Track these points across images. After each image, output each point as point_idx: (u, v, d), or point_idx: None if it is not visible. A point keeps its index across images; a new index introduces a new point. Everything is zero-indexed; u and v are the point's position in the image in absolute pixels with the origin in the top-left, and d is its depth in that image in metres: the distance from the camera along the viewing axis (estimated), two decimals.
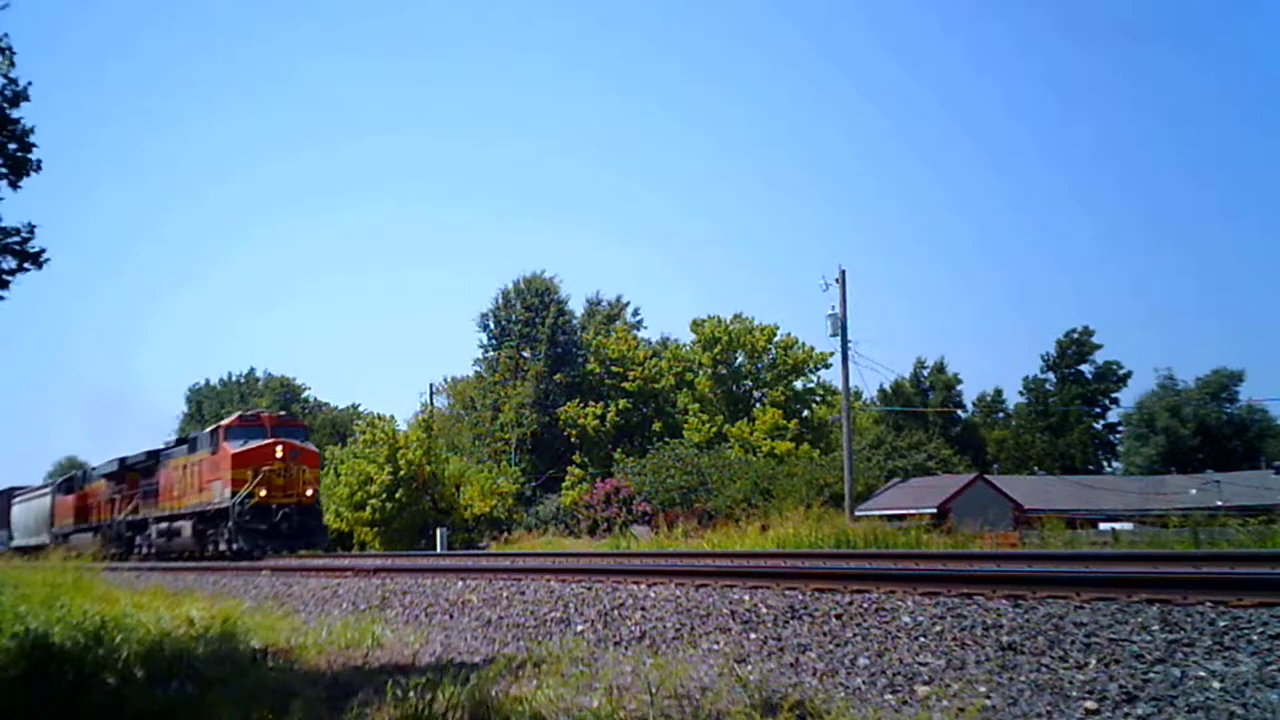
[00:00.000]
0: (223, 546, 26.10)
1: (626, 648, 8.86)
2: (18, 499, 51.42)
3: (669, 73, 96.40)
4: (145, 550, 32.18)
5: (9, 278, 9.40)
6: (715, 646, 8.29)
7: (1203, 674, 5.73)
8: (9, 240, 9.33)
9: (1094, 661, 6.23)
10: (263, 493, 25.19)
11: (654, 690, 6.49)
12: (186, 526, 28.33)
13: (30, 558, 40.92)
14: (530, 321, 54.20)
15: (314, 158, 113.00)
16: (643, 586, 10.57)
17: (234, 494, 25.32)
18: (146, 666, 8.45)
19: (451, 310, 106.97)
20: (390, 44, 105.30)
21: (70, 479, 43.26)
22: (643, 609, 9.73)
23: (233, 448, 26.13)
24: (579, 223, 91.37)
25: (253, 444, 26.27)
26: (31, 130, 9.30)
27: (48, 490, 45.66)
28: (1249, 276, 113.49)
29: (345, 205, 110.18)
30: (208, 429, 30.70)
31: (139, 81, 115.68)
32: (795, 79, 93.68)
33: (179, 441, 32.14)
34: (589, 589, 10.95)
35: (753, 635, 8.31)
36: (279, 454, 26.02)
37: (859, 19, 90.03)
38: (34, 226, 9.44)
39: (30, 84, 9.31)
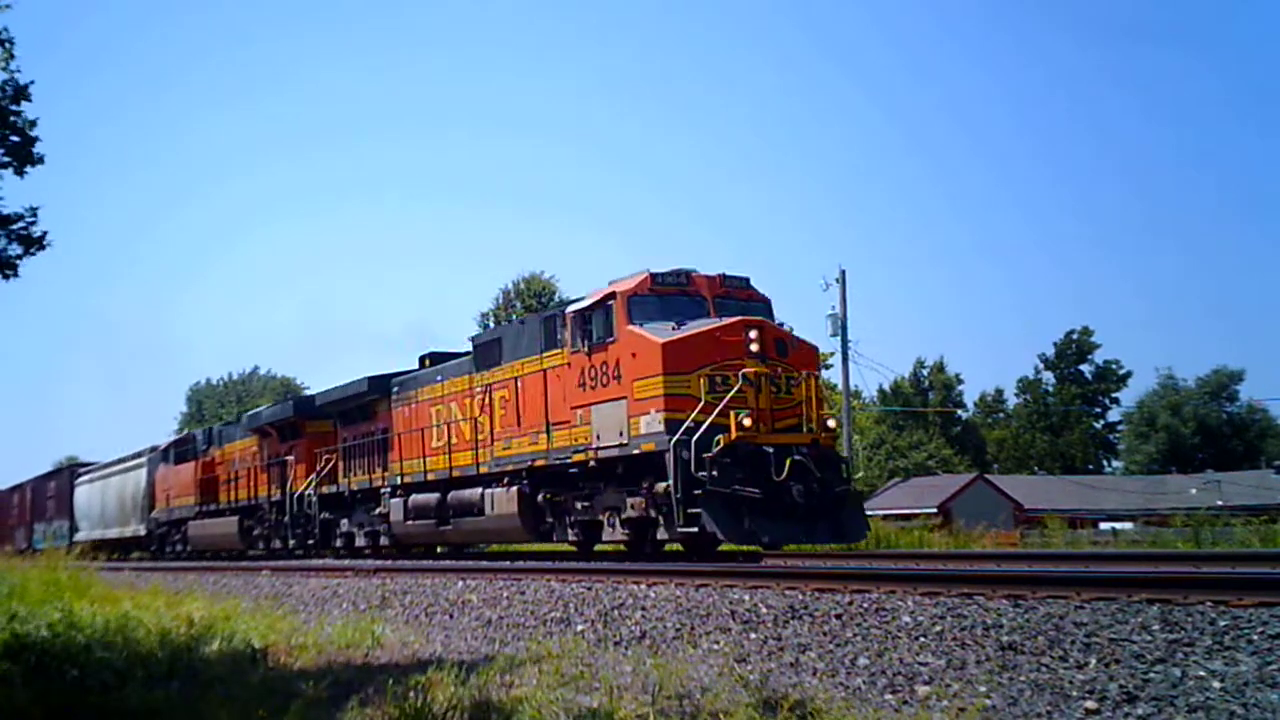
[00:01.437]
0: (666, 534, 13.43)
1: (626, 647, 8.86)
2: (84, 478, 41.19)
3: (669, 73, 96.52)
4: (364, 542, 21.34)
5: (17, 261, 9.47)
6: (715, 646, 8.29)
7: (1203, 674, 5.72)
8: (12, 226, 9.38)
9: (1094, 661, 6.22)
10: (746, 421, 12.58)
11: (654, 690, 6.48)
12: (503, 499, 16.11)
13: (109, 555, 34.52)
14: None
15: (314, 158, 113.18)
16: (643, 586, 10.57)
17: (668, 425, 12.77)
18: (146, 666, 8.45)
19: (451, 310, 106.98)
20: (390, 44, 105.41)
21: (182, 441, 32.62)
22: (643, 609, 9.73)
23: (653, 332, 13.32)
24: (578, 222, 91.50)
25: (696, 326, 13.37)
26: (34, 123, 9.34)
27: (137, 461, 34.97)
28: (1249, 276, 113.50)
29: (344, 205, 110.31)
30: (540, 314, 16.75)
31: (139, 82, 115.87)
32: (796, 79, 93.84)
33: (434, 358, 19.90)
34: (589, 589, 10.94)
35: (753, 635, 8.30)
36: (754, 343, 13.10)
37: (860, 19, 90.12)
38: (36, 209, 9.50)
39: (33, 82, 9.36)
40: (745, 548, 14.12)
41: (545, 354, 15.52)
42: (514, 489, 16.02)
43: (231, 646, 9.62)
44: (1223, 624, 6.26)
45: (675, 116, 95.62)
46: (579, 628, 9.82)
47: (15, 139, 9.25)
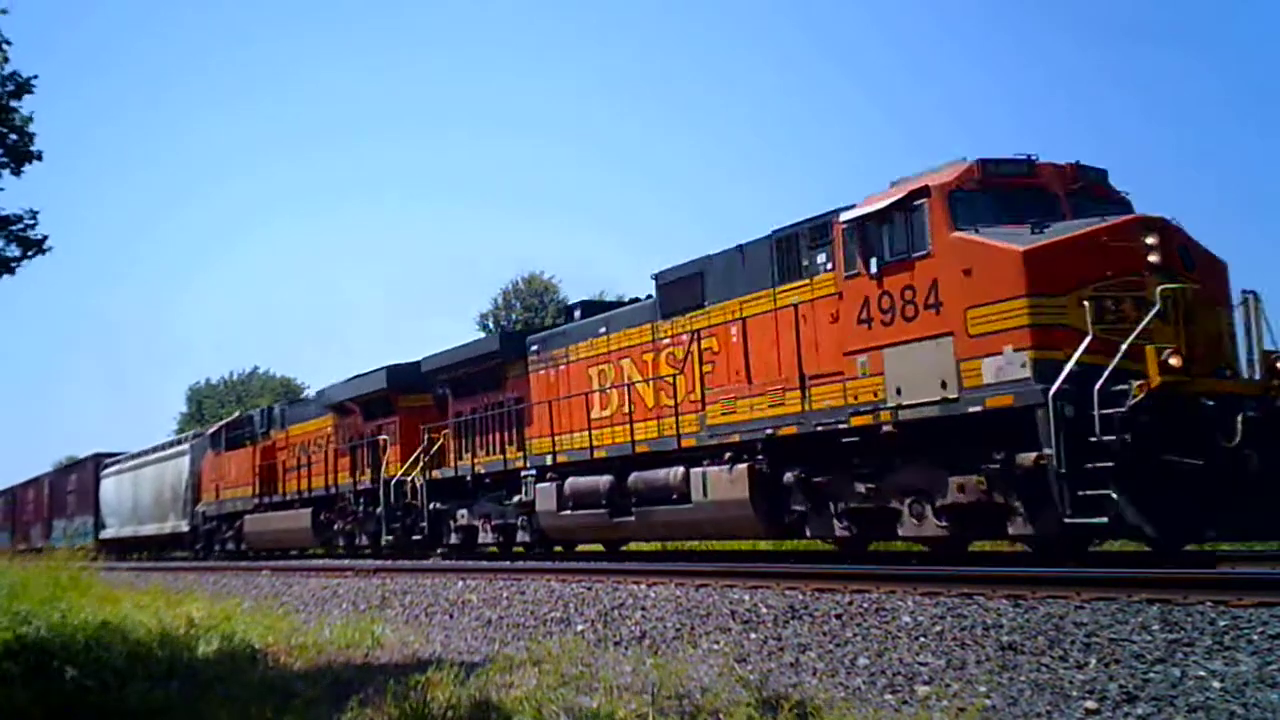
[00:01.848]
0: (1026, 527, 9.49)
1: (626, 647, 8.86)
2: (111, 469, 36.81)
3: (669, 73, 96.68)
4: (491, 537, 17.25)
5: (15, 264, 9.47)
6: (715, 646, 8.29)
7: (1203, 674, 5.73)
8: (11, 227, 9.38)
9: (1094, 661, 6.23)
10: (1174, 361, 8.63)
11: (654, 690, 6.48)
12: (723, 481, 12.34)
13: (142, 554, 34.11)
14: (529, 322, 54.15)
15: (313, 158, 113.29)
16: (643, 586, 10.58)
17: (1039, 369, 8.99)
18: (146, 666, 8.45)
19: (451, 310, 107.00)
20: (389, 44, 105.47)
21: (235, 424, 27.89)
22: (643, 609, 9.73)
23: (1001, 238, 9.59)
24: (578, 222, 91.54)
25: (1066, 229, 9.57)
26: (30, 119, 9.33)
27: (179, 449, 31.54)
28: (1249, 277, 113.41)
29: (341, 206, 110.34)
30: (770, 235, 12.12)
31: (138, 83, 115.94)
32: (796, 80, 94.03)
33: (586, 309, 16.54)
34: (589, 589, 10.95)
35: (753, 635, 8.31)
36: (1156, 251, 9.28)
37: (861, 20, 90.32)
38: (36, 212, 9.49)
39: (35, 77, 9.34)
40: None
41: (783, 286, 11.70)
42: (741, 467, 11.99)
43: (231, 646, 9.62)
44: (1223, 624, 6.26)
45: (675, 116, 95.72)
46: (579, 628, 9.82)
47: (13, 137, 9.24)
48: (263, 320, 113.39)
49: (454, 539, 18.40)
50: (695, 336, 13.03)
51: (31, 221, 9.43)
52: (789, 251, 11.78)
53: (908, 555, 12.96)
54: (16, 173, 9.30)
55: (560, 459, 15.42)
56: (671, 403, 13.37)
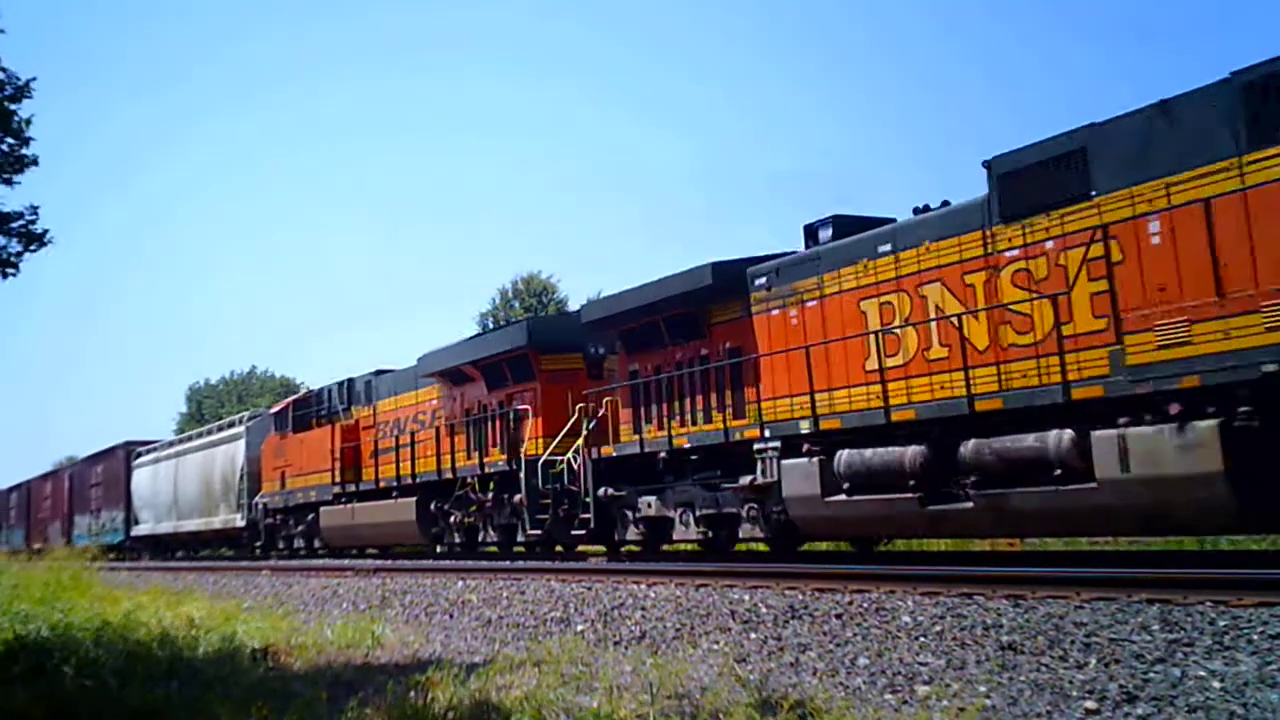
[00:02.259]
0: None
1: (626, 647, 8.86)
2: (145, 458, 32.97)
3: (669, 73, 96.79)
4: (695, 532, 13.36)
5: (17, 259, 9.52)
6: (715, 646, 8.29)
7: (1203, 674, 5.73)
8: (13, 224, 9.42)
9: (1094, 661, 6.23)
10: None
11: (654, 690, 6.49)
12: (1164, 447, 8.36)
13: (182, 553, 31.50)
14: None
15: (313, 158, 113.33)
16: (643, 586, 10.58)
17: None
18: (146, 666, 8.45)
19: (451, 309, 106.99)
20: (389, 46, 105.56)
21: (304, 402, 23.88)
22: (643, 609, 9.74)
23: None
24: (578, 222, 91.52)
25: None
26: (29, 122, 9.38)
27: (231, 432, 27.59)
28: None
29: (346, 205, 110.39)
30: (1233, 76, 8.22)
31: (137, 84, 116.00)
32: (795, 83, 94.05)
33: (838, 226, 12.21)
34: (589, 588, 10.96)
35: (753, 635, 8.31)
36: None
37: (861, 19, 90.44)
38: (36, 208, 9.56)
39: (34, 78, 9.38)
40: None
41: (1261, 154, 8.04)
42: (1205, 424, 8.15)
43: (232, 646, 9.62)
44: (1222, 624, 6.27)
45: (677, 117, 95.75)
46: (579, 628, 9.82)
47: (11, 141, 9.29)
48: (262, 320, 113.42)
49: (631, 533, 14.49)
50: (1096, 235, 9.14)
51: (32, 217, 9.48)
52: (1272, 98, 8.05)
53: (908, 555, 12.96)
54: (10, 182, 9.35)
55: (827, 424, 11.48)
56: (1028, 339, 9.69)
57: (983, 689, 6.23)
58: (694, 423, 13.56)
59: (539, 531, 15.83)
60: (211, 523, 28.03)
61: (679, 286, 13.49)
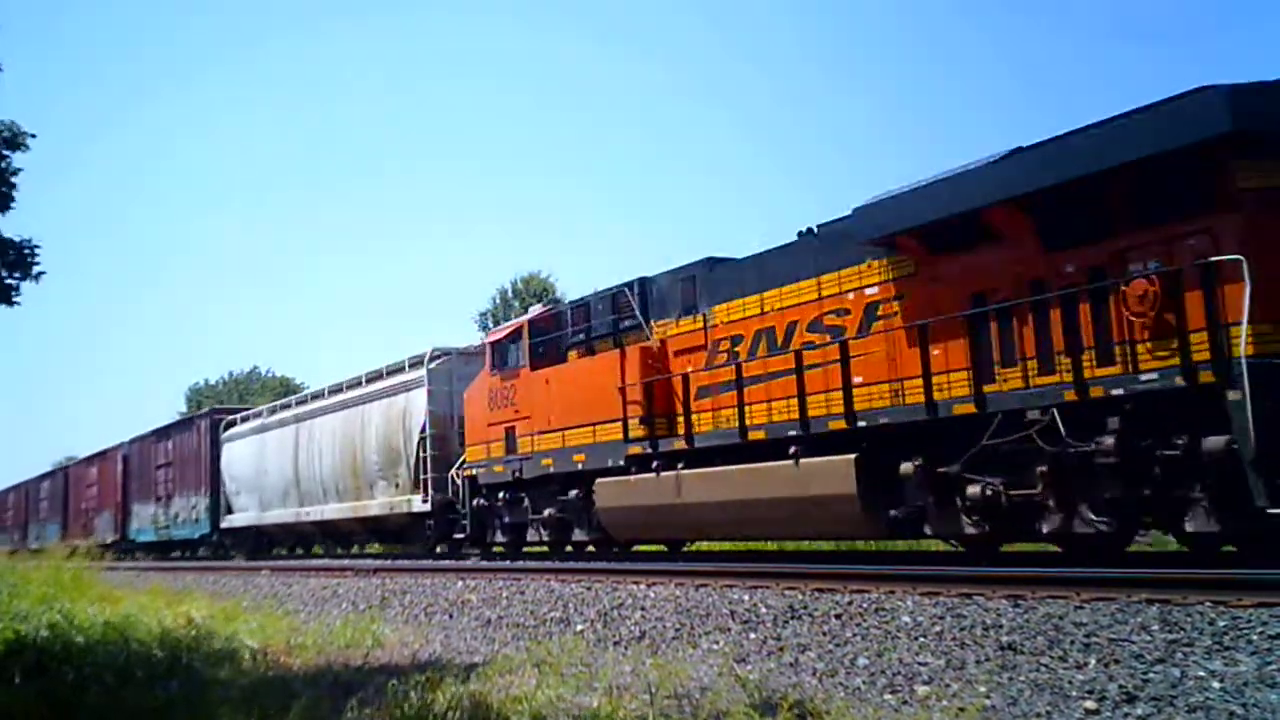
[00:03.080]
0: None
1: (626, 647, 8.87)
2: (242, 427, 26.35)
3: (669, 75, 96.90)
4: None
5: (14, 290, 9.63)
6: (715, 646, 8.30)
7: (1202, 674, 5.73)
8: (9, 253, 9.52)
9: (1094, 661, 6.23)
10: None
11: (654, 690, 6.49)
12: None
13: (311, 550, 25.29)
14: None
15: (312, 160, 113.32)
16: (642, 586, 10.59)
17: None
18: (146, 666, 8.45)
19: (451, 309, 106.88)
20: (390, 47, 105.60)
21: (553, 320, 15.68)
22: (642, 609, 9.74)
23: None
24: (578, 221, 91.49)
25: None
26: (16, 172, 9.52)
27: (394, 381, 19.95)
28: None
29: (342, 204, 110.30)
30: None
31: (136, 85, 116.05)
32: (791, 86, 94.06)
33: None
34: (588, 588, 10.96)
35: (752, 635, 8.31)
36: None
37: (859, 23, 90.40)
38: (35, 246, 9.68)
39: (34, 136, 9.51)
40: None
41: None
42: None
43: (231, 646, 9.62)
44: (1222, 624, 6.27)
45: (676, 121, 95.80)
46: (579, 628, 9.83)
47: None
48: (262, 320, 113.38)
49: None
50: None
51: (27, 251, 9.60)
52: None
53: (908, 555, 12.98)
54: None
55: None
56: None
57: (982, 689, 6.24)
58: None
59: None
60: (363, 508, 20.64)
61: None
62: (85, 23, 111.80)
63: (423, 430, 18.64)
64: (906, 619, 7.67)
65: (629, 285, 14.10)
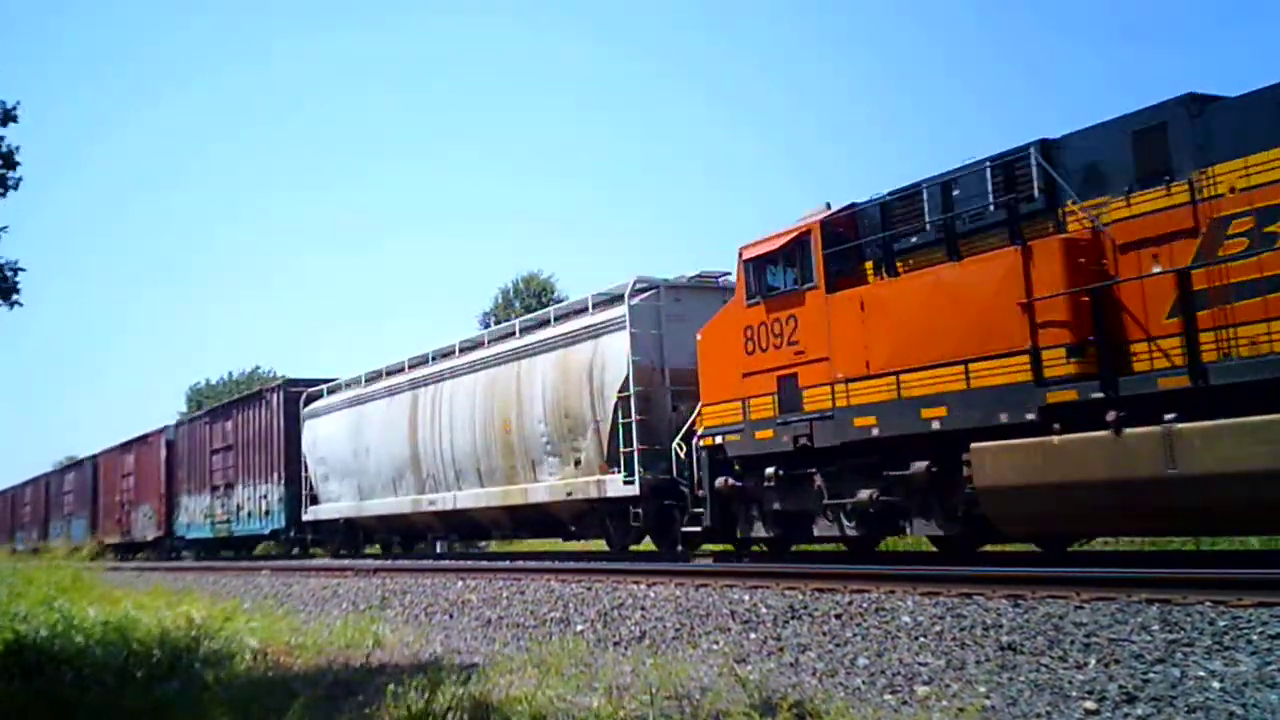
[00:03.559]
0: None
1: (626, 648, 8.87)
2: (331, 399, 21.91)
3: (667, 77, 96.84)
4: None
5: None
6: (715, 646, 8.30)
7: (1202, 674, 5.73)
8: None
9: (1094, 661, 6.23)
10: None
11: (654, 690, 6.49)
12: None
13: (443, 546, 21.12)
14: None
15: (313, 157, 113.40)
16: (642, 586, 10.58)
17: None
18: (146, 666, 8.45)
19: (451, 309, 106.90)
20: (390, 49, 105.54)
21: (844, 226, 10.94)
22: (642, 609, 9.74)
23: None
24: (578, 221, 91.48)
25: None
26: (16, 152, 9.44)
27: (574, 328, 15.26)
28: None
29: (342, 205, 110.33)
30: None
31: (137, 85, 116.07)
32: (791, 87, 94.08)
33: None
34: (588, 589, 10.96)
35: (752, 635, 8.31)
36: None
37: (859, 24, 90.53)
38: (18, 268, 9.62)
39: (18, 103, 9.42)
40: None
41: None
42: None
43: (231, 647, 9.62)
44: (1222, 624, 6.27)
45: (675, 122, 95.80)
46: (579, 628, 9.83)
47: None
48: (262, 320, 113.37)
49: None
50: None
51: (10, 273, 9.54)
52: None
53: (908, 555, 12.98)
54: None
55: None
56: None
57: (982, 689, 6.24)
58: None
59: None
60: (517, 494, 15.90)
61: None
62: (87, 23, 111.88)
63: (623, 388, 13.74)
64: (906, 619, 7.67)
65: (1023, 151, 9.59)
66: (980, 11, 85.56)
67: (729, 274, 13.86)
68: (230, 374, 72.88)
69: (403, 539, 22.29)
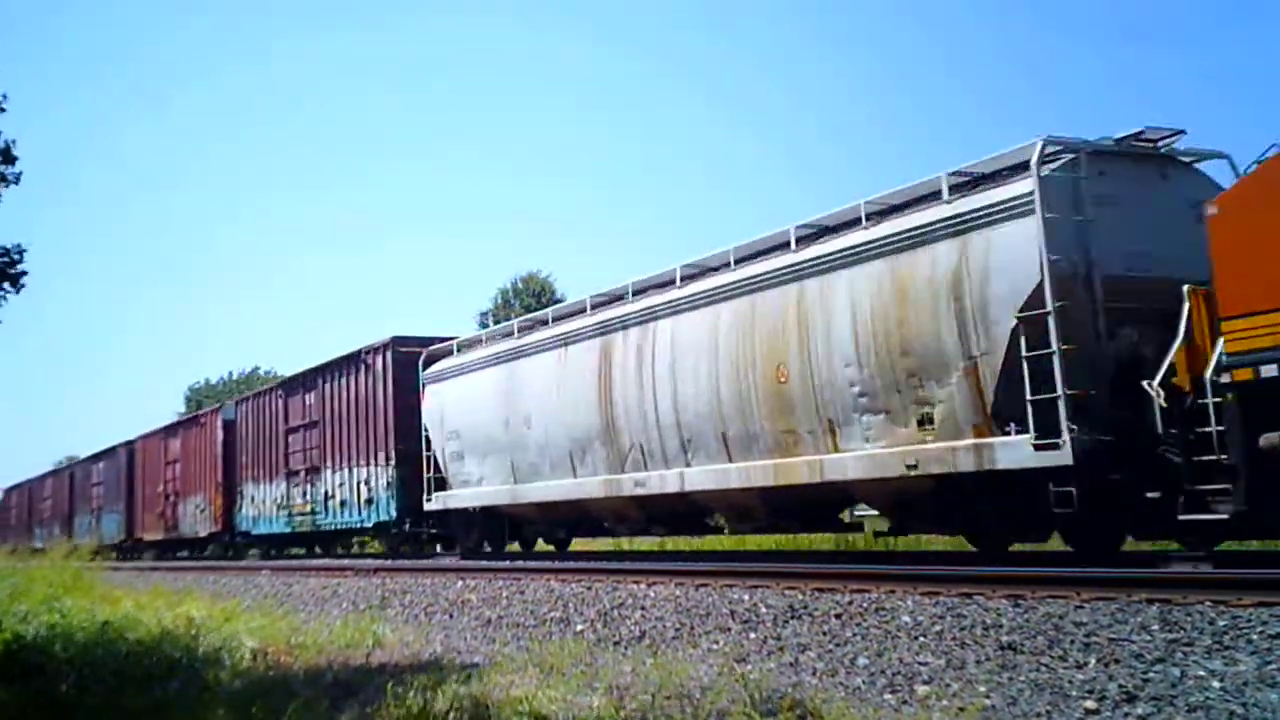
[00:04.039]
0: None
1: (626, 647, 8.86)
2: (466, 357, 16.84)
3: (667, 78, 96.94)
4: None
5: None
6: (715, 646, 8.30)
7: (1202, 673, 5.73)
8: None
9: (1094, 661, 6.23)
10: None
11: (654, 690, 6.49)
12: None
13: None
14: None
15: (313, 158, 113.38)
16: (642, 586, 10.58)
17: None
18: (146, 666, 8.45)
19: (451, 309, 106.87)
20: (396, 57, 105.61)
21: None
22: (642, 609, 9.74)
23: None
24: (578, 221, 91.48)
25: None
26: (13, 146, 9.46)
27: (919, 224, 9.76)
28: None
29: (342, 205, 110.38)
30: None
31: (136, 85, 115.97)
32: (790, 88, 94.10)
33: None
34: (588, 588, 10.96)
35: (752, 635, 8.31)
36: None
37: (884, 8, 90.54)
38: (23, 250, 9.60)
39: (5, 95, 9.43)
40: None
41: None
42: None
43: (231, 647, 9.62)
44: (1222, 624, 6.27)
45: (674, 123, 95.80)
46: (579, 628, 9.83)
47: None
48: (262, 320, 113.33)
49: None
50: None
51: (16, 256, 9.54)
52: None
53: (908, 555, 12.98)
54: None
55: None
56: None
57: (982, 689, 6.23)
58: None
59: None
60: (797, 470, 11.00)
61: None
62: (87, 23, 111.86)
63: (1029, 303, 8.97)
64: (906, 619, 7.67)
65: None
66: (980, 11, 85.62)
67: (1181, 132, 9.52)
68: (230, 374, 72.86)
69: (572, 529, 16.86)
